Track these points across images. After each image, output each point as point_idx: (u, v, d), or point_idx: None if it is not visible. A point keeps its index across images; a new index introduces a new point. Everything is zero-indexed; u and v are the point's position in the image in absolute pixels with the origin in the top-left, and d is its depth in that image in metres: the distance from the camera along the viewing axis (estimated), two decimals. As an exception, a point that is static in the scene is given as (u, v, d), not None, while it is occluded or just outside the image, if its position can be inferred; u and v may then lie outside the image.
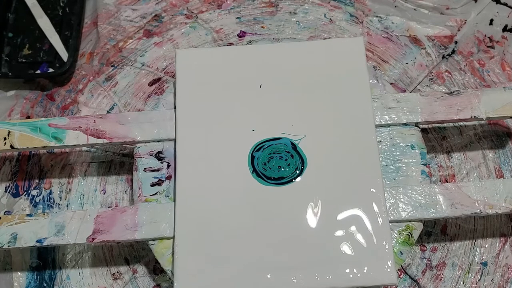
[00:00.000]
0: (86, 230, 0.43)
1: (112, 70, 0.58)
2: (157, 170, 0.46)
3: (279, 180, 0.44)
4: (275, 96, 0.47)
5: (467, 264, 0.49)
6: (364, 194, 0.43)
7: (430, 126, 0.54)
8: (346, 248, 0.42)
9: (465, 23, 0.58)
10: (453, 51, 0.57)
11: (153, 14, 0.60)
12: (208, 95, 0.47)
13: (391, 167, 0.46)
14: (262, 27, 0.59)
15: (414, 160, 0.46)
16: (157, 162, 0.47)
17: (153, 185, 0.46)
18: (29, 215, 0.44)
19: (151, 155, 0.47)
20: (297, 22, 0.59)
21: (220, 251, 0.42)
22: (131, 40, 0.59)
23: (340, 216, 0.43)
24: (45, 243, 0.43)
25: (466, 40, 0.58)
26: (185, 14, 0.60)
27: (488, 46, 0.57)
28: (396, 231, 0.43)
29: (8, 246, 0.43)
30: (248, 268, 0.41)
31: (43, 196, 0.52)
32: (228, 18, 0.60)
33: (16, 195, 0.52)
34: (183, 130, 0.46)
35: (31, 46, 0.58)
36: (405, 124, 0.47)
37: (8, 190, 0.53)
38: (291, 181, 0.44)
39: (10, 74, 0.57)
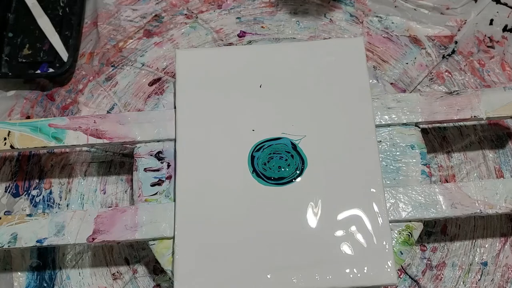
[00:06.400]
0: (86, 230, 0.43)
1: (112, 70, 0.58)
2: (157, 170, 0.46)
3: (279, 180, 0.44)
4: (275, 96, 0.47)
5: (467, 264, 0.49)
6: (364, 194, 0.43)
7: (430, 126, 0.54)
8: (346, 248, 0.42)
9: (465, 23, 0.58)
10: (453, 51, 0.57)
11: (153, 14, 0.60)
12: (208, 95, 0.47)
13: (391, 167, 0.46)
14: (262, 27, 0.59)
15: (414, 160, 0.46)
16: (157, 162, 0.47)
17: (153, 185, 0.46)
18: (29, 215, 0.44)
19: (151, 155, 0.47)
20: (297, 22, 0.59)
21: (220, 251, 0.42)
22: (131, 40, 0.59)
23: (340, 216, 0.43)
24: (45, 243, 0.43)
25: (466, 40, 0.58)
26: (185, 14, 0.60)
27: (488, 46, 0.57)
28: (396, 231, 0.43)
29: (8, 246, 0.43)
30: (248, 268, 0.41)
31: (43, 196, 0.52)
32: (228, 18, 0.60)
33: (16, 195, 0.52)
34: (183, 130, 0.46)
35: (31, 46, 0.58)
36: (405, 124, 0.47)
37: (8, 190, 0.53)
38: (291, 181, 0.44)
39: (10, 74, 0.57)
